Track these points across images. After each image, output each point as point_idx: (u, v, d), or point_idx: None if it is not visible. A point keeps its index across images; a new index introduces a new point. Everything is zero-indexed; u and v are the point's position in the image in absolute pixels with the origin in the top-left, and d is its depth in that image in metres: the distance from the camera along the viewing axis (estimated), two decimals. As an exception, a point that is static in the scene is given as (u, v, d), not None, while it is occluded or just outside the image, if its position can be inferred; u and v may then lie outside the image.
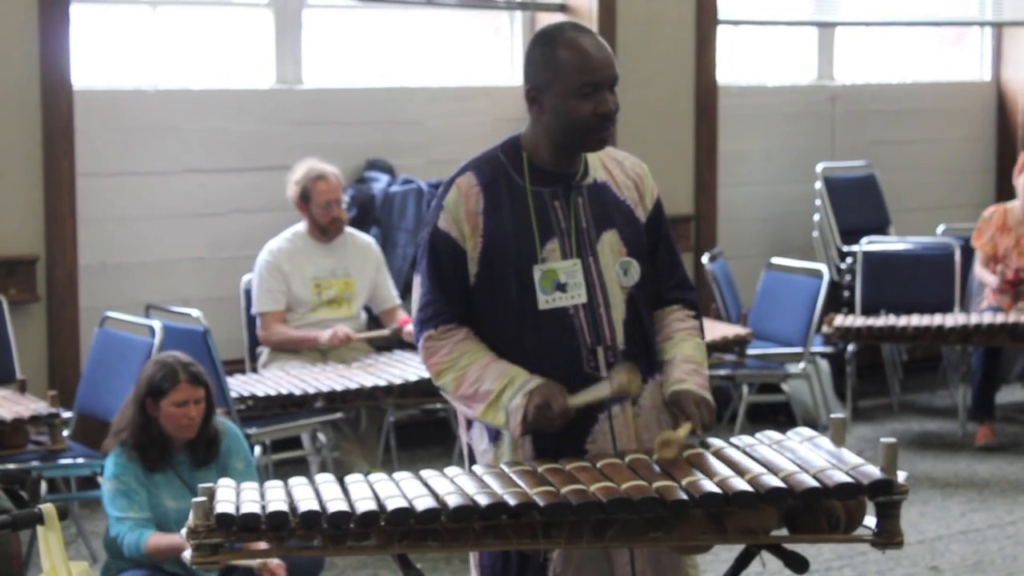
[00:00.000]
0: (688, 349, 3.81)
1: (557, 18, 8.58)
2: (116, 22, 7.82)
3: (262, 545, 3.61)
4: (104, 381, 6.48)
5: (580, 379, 3.68)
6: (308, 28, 8.19)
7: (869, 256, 9.03)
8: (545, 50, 3.68)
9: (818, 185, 9.55)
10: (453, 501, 3.26)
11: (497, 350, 3.70)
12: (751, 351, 8.05)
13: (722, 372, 7.97)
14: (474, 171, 3.76)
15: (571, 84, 3.64)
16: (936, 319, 8.10)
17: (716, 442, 3.61)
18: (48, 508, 3.82)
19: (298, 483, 3.45)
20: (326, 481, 3.45)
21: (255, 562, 4.93)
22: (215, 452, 5.23)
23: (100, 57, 7.70)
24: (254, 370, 7.14)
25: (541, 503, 3.25)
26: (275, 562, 5.06)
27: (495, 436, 3.72)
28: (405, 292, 7.61)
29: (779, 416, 8.54)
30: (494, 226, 3.69)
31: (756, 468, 3.38)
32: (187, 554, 3.32)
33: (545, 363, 3.66)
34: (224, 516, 3.24)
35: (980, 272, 8.57)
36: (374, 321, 7.51)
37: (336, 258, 7.19)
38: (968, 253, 8.83)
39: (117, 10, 7.85)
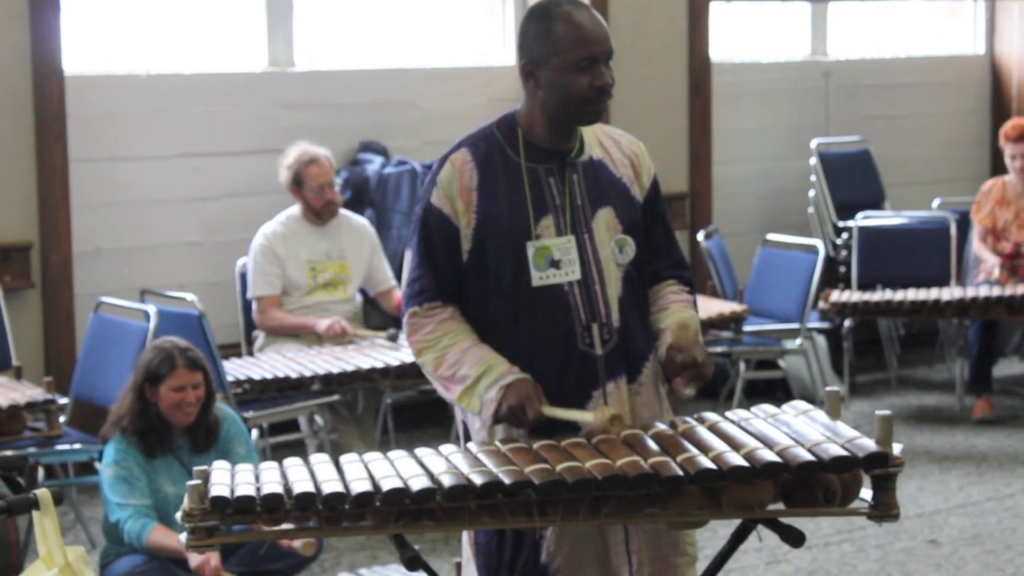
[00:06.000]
0: (684, 318, 3.81)
1: (549, -3, 8.54)
2: (107, 7, 7.79)
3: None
4: (100, 367, 6.48)
5: (575, 356, 3.67)
6: (300, 10, 8.17)
7: (865, 231, 9.03)
8: (541, 24, 3.67)
9: (813, 161, 9.55)
10: (448, 480, 3.25)
11: (491, 327, 3.69)
12: (748, 328, 8.05)
13: (719, 349, 7.96)
14: (469, 147, 3.75)
15: (568, 58, 3.63)
16: (933, 293, 8.10)
17: (711, 416, 3.60)
18: (43, 493, 3.81)
19: (293, 464, 3.44)
20: (321, 462, 3.44)
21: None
22: (215, 438, 5.23)
23: (91, 42, 7.68)
24: (250, 354, 7.14)
25: (536, 481, 3.23)
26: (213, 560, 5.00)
27: (489, 415, 3.71)
28: (400, 274, 7.60)
29: (776, 392, 8.55)
30: (488, 202, 3.68)
31: (751, 442, 3.38)
32: (183, 537, 3.31)
33: (540, 340, 3.66)
34: (219, 499, 3.23)
35: (978, 248, 8.57)
36: (370, 303, 7.51)
37: (331, 241, 7.18)
38: (964, 227, 8.84)
39: (108, -5, 7.84)
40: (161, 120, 7.72)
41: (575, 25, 3.64)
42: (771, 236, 8.73)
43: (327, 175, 7.12)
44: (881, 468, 3.32)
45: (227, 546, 5.06)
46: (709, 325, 7.61)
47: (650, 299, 3.85)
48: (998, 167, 9.94)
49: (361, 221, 7.39)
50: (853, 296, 8.27)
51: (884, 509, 3.36)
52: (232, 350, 7.21)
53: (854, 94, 10.05)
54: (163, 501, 5.11)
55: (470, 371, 3.64)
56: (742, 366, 8.24)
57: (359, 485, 3.25)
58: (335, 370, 6.45)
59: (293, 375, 6.41)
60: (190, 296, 6.69)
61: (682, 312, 3.82)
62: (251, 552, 5.14)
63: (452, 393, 3.69)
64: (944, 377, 9.23)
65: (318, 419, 7.03)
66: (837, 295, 8.26)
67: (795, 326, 8.19)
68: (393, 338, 6.88)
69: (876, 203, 9.62)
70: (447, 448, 3.49)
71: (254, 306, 7.13)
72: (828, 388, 3.65)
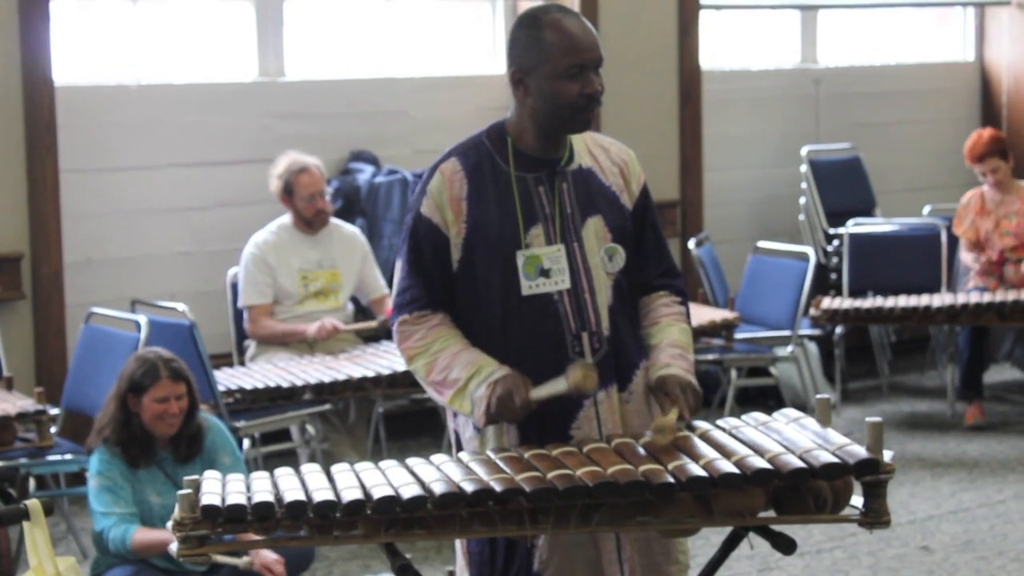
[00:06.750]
0: (674, 334, 3.80)
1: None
2: (97, 17, 7.79)
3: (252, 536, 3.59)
4: (91, 377, 6.48)
5: (565, 365, 3.65)
6: (289, 20, 8.17)
7: (855, 238, 9.04)
8: (530, 32, 3.67)
9: (803, 168, 9.56)
10: (439, 488, 3.25)
11: (481, 336, 3.69)
12: (739, 335, 8.04)
13: (710, 356, 7.96)
14: (458, 157, 3.75)
15: (557, 66, 3.63)
16: (923, 299, 8.11)
17: (702, 424, 3.60)
18: (33, 504, 3.80)
19: (284, 474, 3.45)
20: (312, 471, 3.44)
21: (240, 561, 4.94)
22: (198, 448, 5.21)
23: (81, 53, 7.68)
24: (241, 363, 7.14)
25: (527, 488, 3.24)
26: (272, 556, 5.06)
27: (480, 423, 3.71)
28: (391, 282, 7.60)
29: (768, 400, 8.55)
30: (478, 212, 3.68)
31: (742, 450, 3.38)
32: (174, 547, 3.31)
33: (530, 349, 3.66)
34: (210, 508, 3.23)
35: (965, 257, 8.59)
36: (362, 312, 7.51)
37: (322, 250, 7.18)
38: (954, 234, 8.84)
39: (97, 5, 7.82)
40: (151, 130, 7.72)
41: (564, 33, 3.64)
42: (762, 243, 8.74)
43: (318, 184, 7.12)
44: (872, 475, 3.32)
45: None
46: (700, 333, 7.61)
47: (641, 311, 3.85)
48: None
49: (352, 230, 7.39)
50: (844, 303, 8.27)
51: (875, 516, 3.36)
52: (223, 360, 7.20)
53: (844, 101, 10.06)
54: (148, 512, 5.10)
55: (460, 373, 3.64)
56: (733, 373, 8.24)
57: (350, 493, 3.25)
58: (327, 379, 6.45)
59: (284, 384, 6.42)
60: (181, 306, 6.68)
61: (678, 329, 3.80)
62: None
63: (444, 397, 3.68)
64: (935, 383, 9.23)
65: (310, 428, 7.03)
66: (828, 302, 8.26)
67: (786, 333, 8.19)
68: (383, 324, 6.91)
69: (867, 210, 9.64)
70: (438, 458, 3.49)
71: (245, 315, 7.13)
72: (818, 395, 3.65)
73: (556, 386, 3.58)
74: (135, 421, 5.12)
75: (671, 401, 3.61)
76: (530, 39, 3.66)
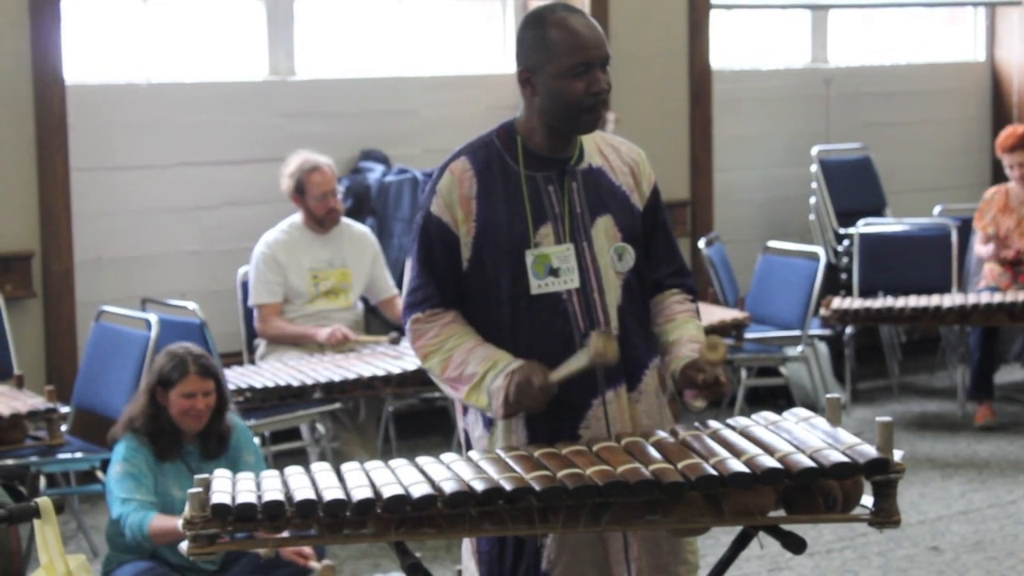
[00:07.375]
0: (692, 330, 3.82)
1: (549, 5, 8.56)
2: (107, 16, 7.80)
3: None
4: (101, 375, 6.49)
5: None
6: (300, 19, 8.18)
7: (866, 238, 9.04)
8: (536, 31, 3.68)
9: (814, 168, 9.55)
10: (449, 487, 3.26)
11: (491, 335, 3.69)
12: (749, 335, 8.04)
13: (720, 356, 7.93)
14: (468, 156, 3.75)
15: (563, 64, 3.63)
16: (934, 300, 8.10)
17: (713, 423, 3.60)
18: (44, 501, 3.81)
19: (294, 472, 3.45)
20: (322, 470, 3.44)
21: (261, 551, 4.95)
22: (225, 446, 5.23)
23: (92, 51, 7.69)
24: (252, 362, 7.14)
25: (537, 488, 3.24)
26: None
27: (490, 422, 3.71)
28: (401, 282, 7.59)
29: (778, 399, 8.55)
30: (488, 211, 3.69)
31: (752, 449, 3.38)
32: (184, 545, 3.32)
33: (538, 348, 3.65)
34: (220, 506, 3.24)
35: (979, 248, 8.58)
36: (371, 312, 7.51)
37: (333, 249, 7.18)
38: (965, 234, 8.85)
39: (108, 4, 7.82)
40: (162, 129, 7.73)
41: (570, 31, 3.64)
42: (772, 243, 8.73)
43: (329, 183, 7.13)
44: (882, 474, 3.32)
45: (228, 555, 5.06)
46: (710, 332, 7.58)
47: (654, 309, 3.85)
48: (999, 174, 9.92)
49: (363, 229, 7.39)
50: (854, 303, 8.27)
51: (885, 516, 3.36)
52: (234, 358, 7.21)
53: (855, 101, 10.05)
54: (169, 505, 5.10)
55: (477, 368, 3.64)
56: (743, 373, 8.24)
57: (360, 492, 3.25)
58: (336, 378, 6.45)
59: (295, 383, 6.41)
60: (191, 305, 6.69)
61: (693, 325, 3.81)
62: (252, 560, 5.14)
63: (460, 393, 3.68)
64: (946, 384, 9.22)
65: (320, 427, 7.03)
66: (838, 302, 8.26)
67: (796, 333, 8.19)
68: (395, 341, 6.89)
69: (877, 210, 9.63)
70: (448, 456, 3.49)
71: (255, 314, 7.13)
72: (828, 395, 3.65)
73: (576, 362, 3.56)
74: (163, 414, 5.15)
75: (701, 377, 3.64)
76: (536, 38, 3.67)
